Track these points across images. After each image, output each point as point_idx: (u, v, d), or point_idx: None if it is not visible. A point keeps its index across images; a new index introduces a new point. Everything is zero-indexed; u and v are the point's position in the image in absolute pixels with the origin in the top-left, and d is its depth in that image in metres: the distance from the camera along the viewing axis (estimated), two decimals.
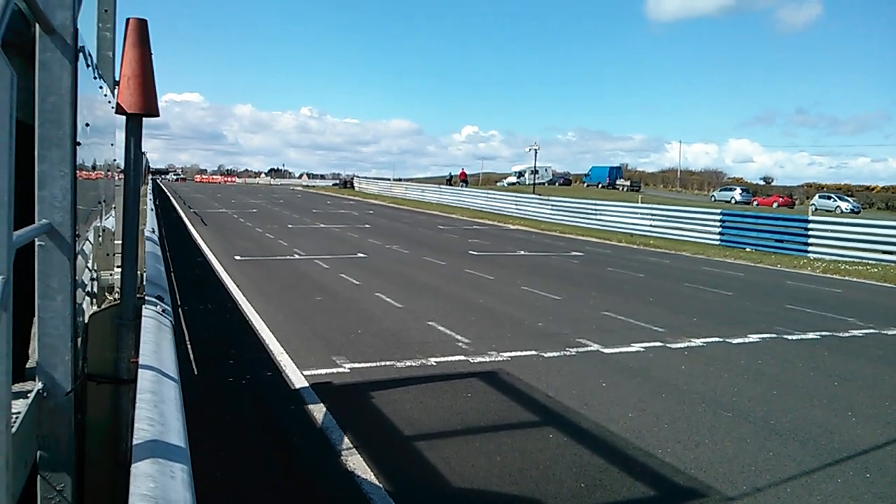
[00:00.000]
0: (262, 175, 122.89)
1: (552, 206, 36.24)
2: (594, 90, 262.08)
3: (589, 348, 8.35)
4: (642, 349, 8.45)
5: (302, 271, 14.59)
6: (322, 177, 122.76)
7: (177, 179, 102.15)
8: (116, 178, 5.56)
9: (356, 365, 7.25)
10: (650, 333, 9.32)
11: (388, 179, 79.99)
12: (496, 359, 7.68)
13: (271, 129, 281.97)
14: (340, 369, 7.09)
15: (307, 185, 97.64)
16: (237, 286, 12.12)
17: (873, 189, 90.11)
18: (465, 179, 68.08)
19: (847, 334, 9.90)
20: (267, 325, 9.00)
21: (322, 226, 28.07)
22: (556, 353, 8.03)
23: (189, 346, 7.67)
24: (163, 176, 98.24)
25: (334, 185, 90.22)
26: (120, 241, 2.91)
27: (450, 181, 69.16)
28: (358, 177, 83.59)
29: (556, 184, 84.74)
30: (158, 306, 2.62)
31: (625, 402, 6.38)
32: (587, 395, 6.56)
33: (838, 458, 5.18)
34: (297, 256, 17.18)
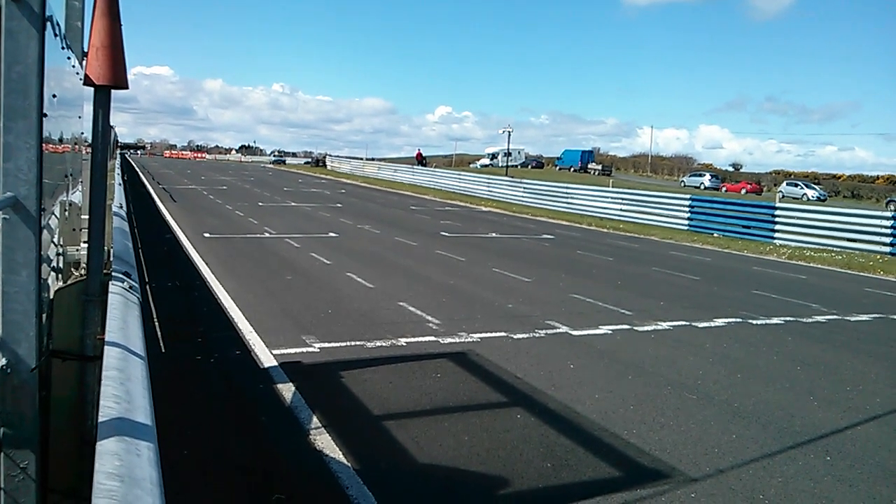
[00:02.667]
0: (233, 151, 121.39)
1: (524, 188, 36.34)
2: (568, 74, 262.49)
3: (558, 330, 8.42)
4: (610, 332, 8.54)
5: (272, 250, 14.49)
6: (294, 154, 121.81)
7: (143, 154, 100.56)
8: (84, 151, 5.45)
9: (326, 344, 7.24)
10: (618, 316, 9.42)
11: (361, 159, 79.38)
12: (466, 340, 7.72)
13: (242, 104, 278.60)
14: (310, 349, 7.07)
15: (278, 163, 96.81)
16: (206, 264, 12.00)
17: (839, 178, 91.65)
18: (421, 160, 67.95)
19: (810, 320, 10.10)
20: (236, 304, 8.94)
21: (293, 204, 27.85)
22: (525, 335, 8.09)
23: (157, 324, 7.59)
24: (132, 150, 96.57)
25: (306, 163, 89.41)
26: (87, 216, 2.86)
27: (422, 162, 68.97)
28: (330, 155, 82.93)
29: (529, 167, 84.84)
30: (126, 283, 2.59)
31: (592, 384, 6.46)
32: (555, 376, 6.62)
33: (799, 440, 5.30)
34: (267, 235, 17.04)
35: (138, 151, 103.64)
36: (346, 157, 79.47)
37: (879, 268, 17.28)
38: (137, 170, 47.57)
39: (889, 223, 20.52)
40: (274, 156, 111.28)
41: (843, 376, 7.24)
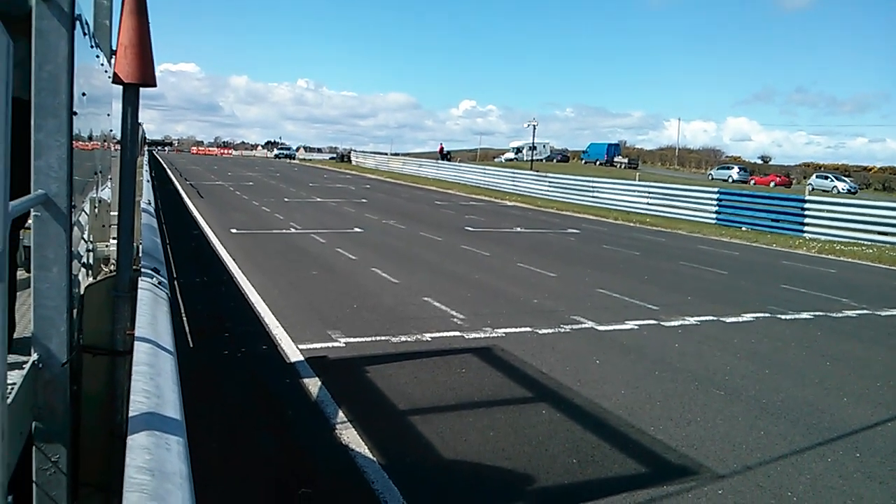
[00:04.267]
0: (259, 147, 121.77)
1: (549, 182, 36.16)
2: (593, 66, 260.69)
3: (583, 325, 8.38)
4: (636, 327, 8.48)
5: (298, 245, 14.58)
6: (319, 150, 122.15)
7: (170, 150, 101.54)
8: (112, 148, 5.52)
9: (351, 339, 7.27)
10: (645, 311, 9.35)
11: (386, 154, 79.63)
12: (491, 335, 7.71)
13: (267, 100, 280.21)
14: (336, 343, 7.11)
15: (304, 159, 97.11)
16: (233, 259, 12.11)
17: (870, 170, 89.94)
18: (444, 154, 67.96)
19: (840, 315, 9.95)
20: (263, 299, 9.01)
21: (319, 200, 28.01)
22: (550, 330, 8.07)
23: (184, 319, 7.68)
24: (159, 147, 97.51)
25: (331, 158, 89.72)
26: (116, 213, 2.90)
27: (445, 156, 68.98)
28: (355, 150, 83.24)
29: (554, 160, 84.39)
30: (154, 278, 2.62)
31: (618, 380, 6.42)
32: (581, 371, 6.59)
33: (829, 437, 5.23)
34: (293, 230, 17.16)
35: (166, 148, 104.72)
36: (371, 153, 79.66)
37: None
38: (165, 166, 48.13)
39: None
40: (278, 148, 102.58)
41: (873, 372, 7.13)
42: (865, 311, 10.30)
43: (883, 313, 10.27)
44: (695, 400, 5.98)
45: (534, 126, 59.47)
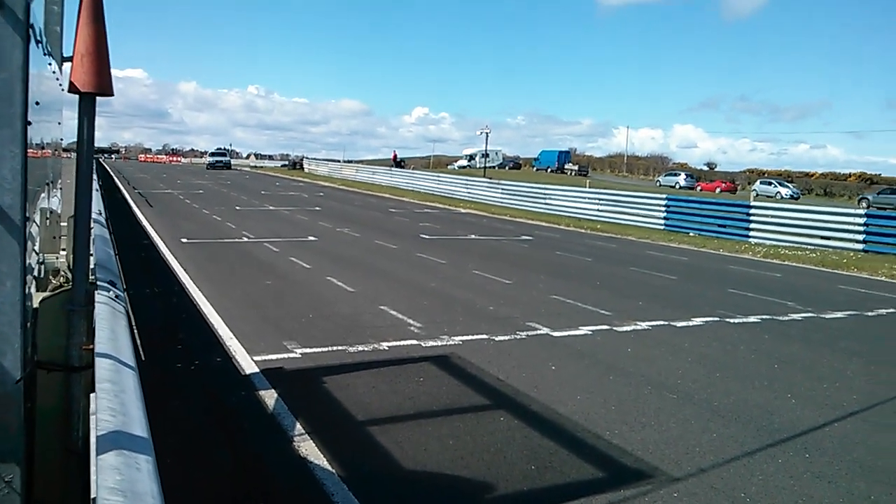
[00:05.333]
0: (208, 154, 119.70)
1: (502, 189, 36.43)
2: (544, 74, 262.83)
3: (539, 332, 8.46)
4: (590, 332, 8.59)
5: (251, 254, 14.40)
6: (270, 157, 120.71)
7: (117, 158, 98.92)
8: (62, 157, 5.39)
9: (308, 350, 7.21)
10: (598, 317, 9.48)
11: (338, 161, 79.19)
12: (448, 343, 7.73)
13: (217, 107, 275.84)
14: (292, 354, 7.04)
15: (255, 166, 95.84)
16: (184, 270, 11.90)
17: (812, 175, 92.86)
18: (397, 162, 68.05)
19: (786, 318, 10.23)
20: (216, 310, 8.87)
21: (271, 208, 27.70)
22: (506, 337, 8.12)
23: (135, 331, 7.51)
24: (106, 155, 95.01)
25: (283, 166, 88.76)
26: (65, 224, 2.83)
27: (399, 164, 68.97)
28: (307, 158, 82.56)
29: (507, 167, 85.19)
30: (111, 292, 2.57)
31: (573, 385, 6.50)
32: (537, 378, 6.65)
33: (779, 438, 5.38)
34: (245, 239, 16.94)
35: (113, 156, 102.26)
36: (324, 160, 79.21)
37: (853, 265, 17.55)
38: (112, 174, 47.01)
39: (861, 220, 20.86)
40: (210, 155, 77.17)
41: (820, 373, 7.35)
42: (810, 314, 10.61)
43: (827, 316, 10.59)
44: (648, 404, 6.09)
45: (486, 133, 59.87)
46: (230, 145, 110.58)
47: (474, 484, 4.40)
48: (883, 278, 15.81)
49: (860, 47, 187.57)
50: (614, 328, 8.88)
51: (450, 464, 4.66)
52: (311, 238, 17.84)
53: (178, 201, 28.77)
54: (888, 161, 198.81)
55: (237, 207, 26.83)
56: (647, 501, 4.22)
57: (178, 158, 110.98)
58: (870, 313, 11.08)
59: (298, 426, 5.20)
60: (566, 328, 8.68)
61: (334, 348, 7.32)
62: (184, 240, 16.11)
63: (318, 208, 28.66)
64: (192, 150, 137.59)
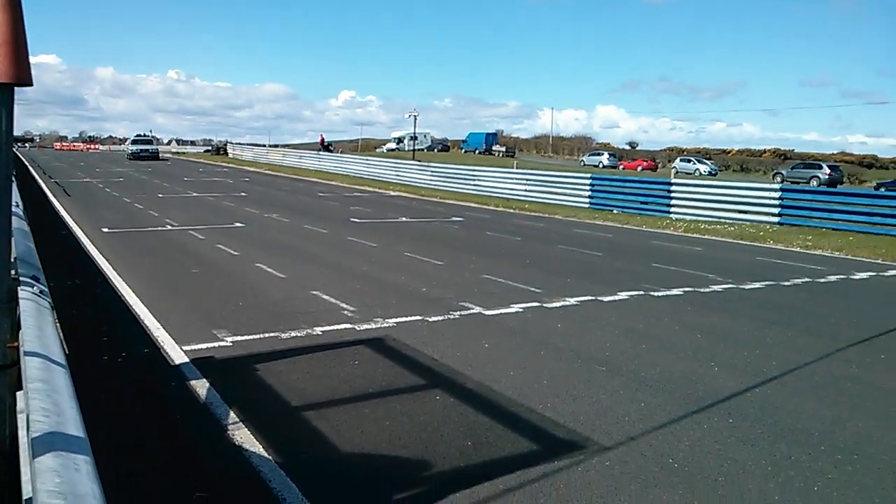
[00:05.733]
0: (129, 142, 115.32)
1: (432, 172, 36.44)
2: (470, 57, 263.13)
3: (471, 311, 8.56)
4: (521, 310, 8.74)
5: (176, 243, 14.05)
6: (193, 143, 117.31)
7: (31, 147, 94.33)
8: None
9: (239, 338, 7.12)
10: (528, 294, 9.65)
11: (264, 146, 77.72)
12: (382, 325, 7.75)
13: (136, 93, 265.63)
14: (222, 343, 6.94)
15: (177, 152, 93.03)
16: (106, 260, 11.53)
17: (729, 152, 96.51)
18: (325, 145, 67.34)
19: (708, 290, 10.63)
20: (141, 300, 8.65)
21: (195, 195, 27.02)
22: (440, 318, 8.19)
23: (58, 324, 7.26)
24: (20, 144, 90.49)
25: (206, 151, 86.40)
26: None
27: (326, 147, 68.15)
28: (231, 143, 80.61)
29: (435, 150, 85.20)
30: (35, 287, 2.49)
31: (506, 362, 6.62)
32: (471, 356, 6.75)
33: (703, 405, 5.61)
34: (169, 227, 16.50)
35: (27, 144, 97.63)
36: (249, 145, 77.55)
37: (769, 237, 18.31)
38: (27, 164, 44.90)
39: (777, 195, 21.74)
40: (132, 143, 62.52)
41: (740, 342, 7.68)
42: (730, 286, 11.04)
43: (746, 287, 11.04)
44: (579, 377, 6.26)
45: (415, 116, 59.60)
46: (150, 131, 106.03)
47: (413, 463, 4.46)
48: (797, 249, 16.56)
49: (775, 28, 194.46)
50: (545, 305, 9.06)
51: (387, 444, 4.70)
52: (238, 224, 17.52)
53: (97, 190, 27.76)
54: (801, 137, 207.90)
55: (159, 195, 26.07)
56: (581, 471, 4.36)
57: (97, 146, 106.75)
58: (786, 283, 11.60)
59: (232, 415, 5.15)
60: (498, 307, 8.81)
61: (266, 335, 7.24)
62: (105, 229, 15.58)
63: (244, 194, 28.11)
64: (111, 137, 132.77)
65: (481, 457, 4.54)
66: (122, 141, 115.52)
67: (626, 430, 5.03)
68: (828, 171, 50.11)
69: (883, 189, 43.84)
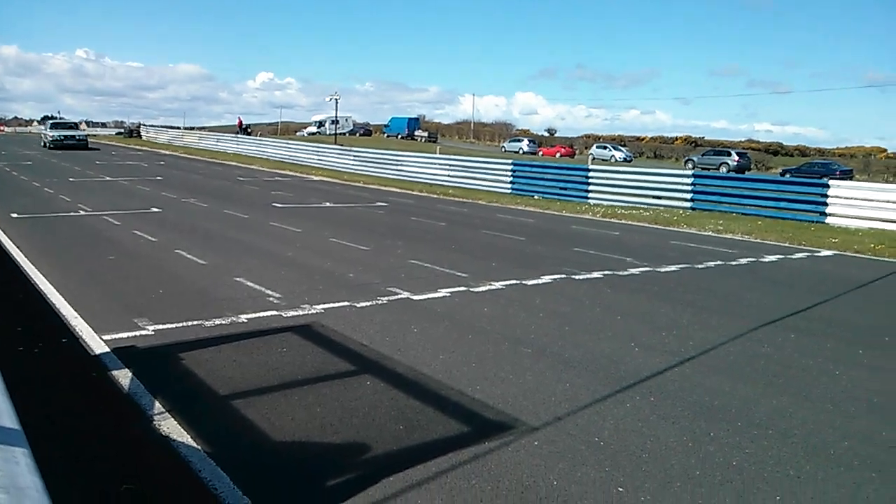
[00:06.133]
0: (36, 123, 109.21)
1: (354, 156, 36.14)
2: (391, 40, 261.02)
3: (399, 296, 8.59)
4: (448, 294, 8.83)
5: (91, 228, 13.53)
6: (104, 125, 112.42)
7: None
8: None
9: (161, 326, 6.94)
10: (455, 279, 9.75)
11: (179, 128, 75.34)
12: (309, 312, 7.69)
13: (42, 72, 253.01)
14: (144, 332, 6.76)
15: (88, 135, 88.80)
16: (17, 247, 11.01)
17: (643, 139, 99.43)
18: (242, 128, 66.00)
19: (626, 273, 10.97)
20: (56, 289, 8.32)
21: (108, 179, 26.00)
22: (368, 303, 8.19)
23: None
24: None
25: (118, 133, 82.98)
26: None
27: (245, 130, 66.64)
28: (145, 125, 77.74)
29: (357, 134, 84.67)
30: None
31: (435, 346, 6.69)
32: (400, 341, 6.79)
33: (626, 385, 5.82)
34: (83, 213, 15.85)
35: None
36: (163, 127, 75.06)
37: (682, 222, 18.98)
38: None
39: (689, 181, 22.53)
40: (51, 126, 50.40)
41: (658, 323, 7.97)
42: (647, 269, 11.42)
43: (662, 270, 11.44)
44: (506, 359, 6.38)
45: (336, 99, 58.91)
46: (59, 113, 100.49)
47: (344, 448, 4.48)
48: (709, 233, 17.24)
49: (686, 19, 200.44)
50: (471, 289, 9.18)
51: (318, 431, 4.70)
52: (155, 209, 16.99)
53: (3, 173, 26.37)
54: (710, 125, 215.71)
55: (71, 179, 24.98)
56: (510, 451, 4.47)
57: (2, 128, 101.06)
58: (699, 266, 12.08)
59: (158, 405, 5.04)
60: (426, 291, 8.87)
61: (189, 323, 7.09)
62: (14, 214, 14.87)
63: (160, 178, 27.23)
64: (16, 118, 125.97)
65: (413, 440, 4.59)
66: (29, 122, 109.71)
67: (553, 410, 5.18)
68: (736, 157, 52.30)
69: (788, 175, 46.22)
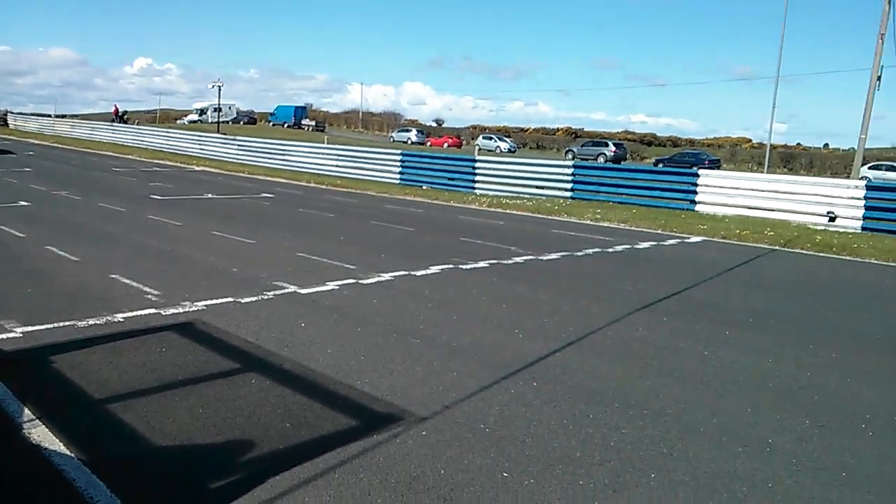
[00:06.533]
0: None
1: (239, 146, 35.20)
2: (276, 27, 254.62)
3: (286, 290, 8.46)
4: (337, 287, 8.77)
5: None
6: None
7: None
8: None
9: (30, 328, 6.53)
10: (343, 271, 9.69)
11: (50, 115, 70.80)
12: (190, 309, 7.45)
13: None
14: (11, 334, 6.35)
15: None
16: None
17: (527, 130, 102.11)
18: (119, 116, 63.06)
19: (511, 261, 11.24)
20: None
21: None
22: (253, 298, 8.01)
23: None
24: None
25: None
26: None
27: (121, 118, 63.53)
28: (12, 112, 72.53)
29: (241, 123, 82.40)
30: None
31: (323, 340, 6.63)
32: (287, 336, 6.69)
33: (510, 371, 5.96)
34: None
35: None
36: (33, 115, 70.28)
37: (563, 211, 19.61)
38: None
39: (570, 171, 23.31)
40: None
41: (541, 310, 8.22)
42: (531, 257, 11.74)
43: (545, 258, 11.80)
44: (395, 350, 6.41)
45: (219, 87, 56.94)
46: None
47: (229, 449, 4.38)
48: (588, 222, 17.90)
49: (568, 12, 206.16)
50: (360, 281, 9.15)
51: (201, 432, 4.57)
52: (23, 203, 15.95)
53: None
54: (590, 116, 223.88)
55: None
56: (399, 442, 4.50)
57: None
58: (579, 253, 12.54)
59: (27, 412, 4.75)
60: (314, 285, 8.77)
61: (61, 324, 6.71)
62: None
63: (28, 169, 25.57)
64: None
65: (301, 437, 4.55)
66: None
67: (440, 400, 5.25)
68: (613, 148, 54.62)
69: (661, 165, 48.56)
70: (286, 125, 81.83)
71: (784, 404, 5.53)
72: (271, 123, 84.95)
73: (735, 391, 5.80)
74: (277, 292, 8.35)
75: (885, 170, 44.78)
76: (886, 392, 5.97)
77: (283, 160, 31.52)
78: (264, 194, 21.05)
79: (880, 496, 4.10)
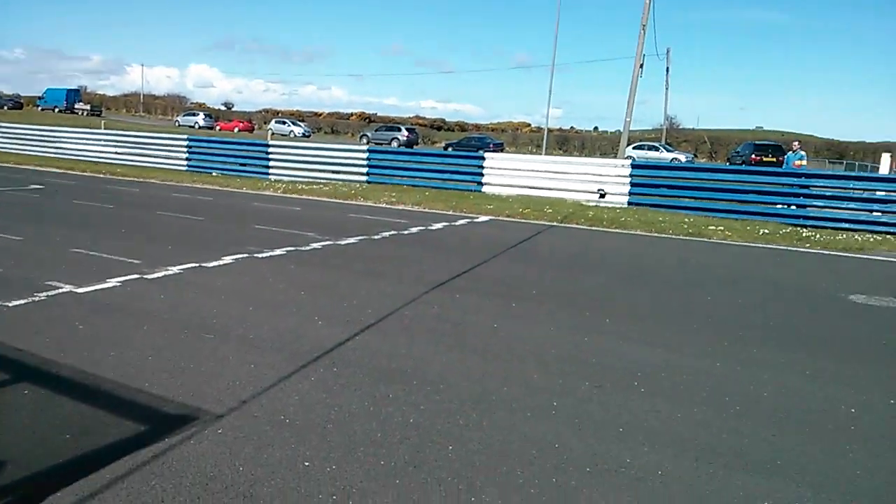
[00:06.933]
0: None
1: (2, 133, 31.66)
2: (43, 2, 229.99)
3: (60, 290, 7.78)
4: (119, 284, 8.21)
5: None
6: None
7: None
8: None
9: None
10: (126, 266, 9.08)
11: None
12: None
13: None
14: None
15: None
16: None
17: (321, 115, 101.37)
18: None
19: (308, 248, 11.14)
20: None
21: None
22: (22, 301, 7.28)
23: None
24: None
25: None
26: None
27: None
28: None
29: (5, 107, 74.49)
30: None
31: (106, 341, 6.19)
32: (64, 341, 6.16)
33: (310, 359, 5.93)
34: None
35: None
36: None
37: (359, 195, 19.72)
38: None
39: (365, 156, 23.46)
40: None
41: (340, 295, 8.23)
42: (329, 242, 11.71)
43: (343, 242, 11.82)
44: (186, 348, 6.13)
45: None
46: None
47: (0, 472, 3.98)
48: (384, 205, 18.15)
49: None
50: (145, 276, 8.62)
51: None
52: None
53: None
54: (382, 101, 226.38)
55: None
56: (194, 443, 4.33)
57: None
58: (376, 237, 12.70)
59: None
60: (93, 283, 8.13)
61: None
62: None
63: None
64: None
65: (83, 449, 4.23)
66: None
67: (237, 395, 5.11)
68: (406, 133, 55.89)
69: (451, 149, 50.35)
70: (57, 109, 75.35)
71: (566, 368, 6.00)
72: (40, 108, 77.94)
73: (522, 360, 6.19)
74: (50, 293, 7.65)
75: (648, 149, 49.83)
76: (652, 353, 6.66)
77: (55, 148, 28.80)
78: (32, 185, 19.11)
79: (654, 447, 4.59)
